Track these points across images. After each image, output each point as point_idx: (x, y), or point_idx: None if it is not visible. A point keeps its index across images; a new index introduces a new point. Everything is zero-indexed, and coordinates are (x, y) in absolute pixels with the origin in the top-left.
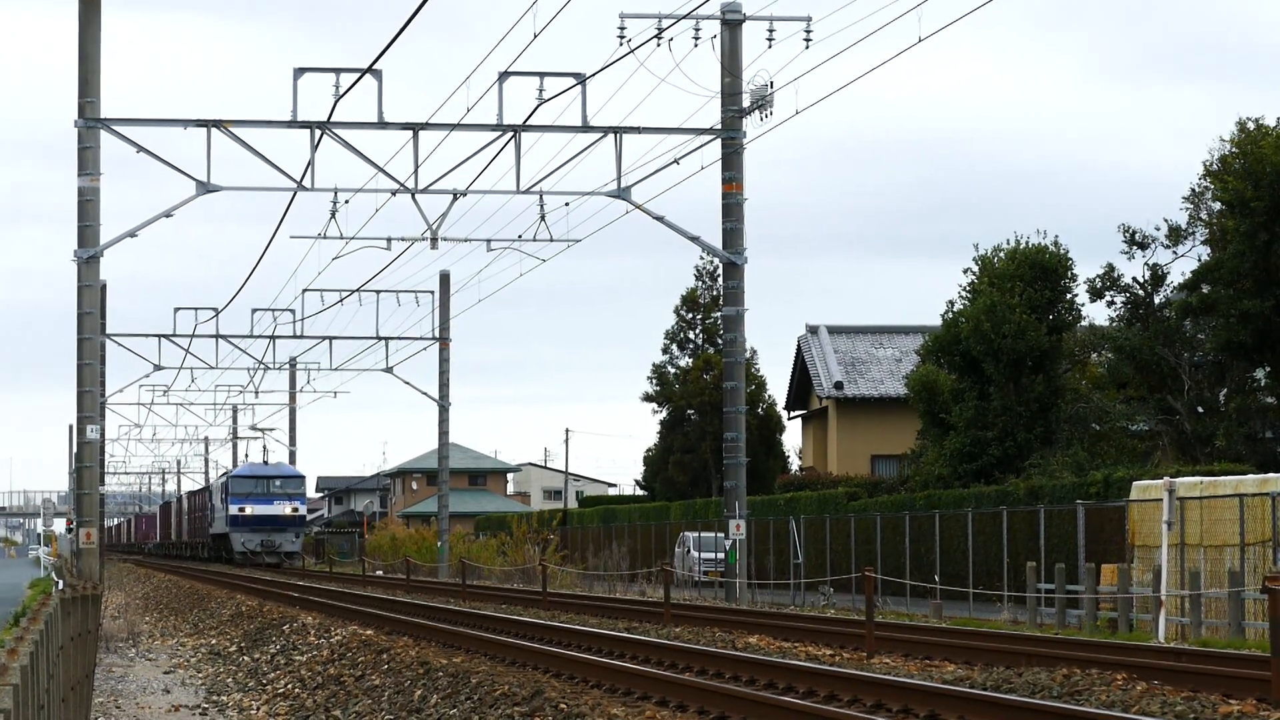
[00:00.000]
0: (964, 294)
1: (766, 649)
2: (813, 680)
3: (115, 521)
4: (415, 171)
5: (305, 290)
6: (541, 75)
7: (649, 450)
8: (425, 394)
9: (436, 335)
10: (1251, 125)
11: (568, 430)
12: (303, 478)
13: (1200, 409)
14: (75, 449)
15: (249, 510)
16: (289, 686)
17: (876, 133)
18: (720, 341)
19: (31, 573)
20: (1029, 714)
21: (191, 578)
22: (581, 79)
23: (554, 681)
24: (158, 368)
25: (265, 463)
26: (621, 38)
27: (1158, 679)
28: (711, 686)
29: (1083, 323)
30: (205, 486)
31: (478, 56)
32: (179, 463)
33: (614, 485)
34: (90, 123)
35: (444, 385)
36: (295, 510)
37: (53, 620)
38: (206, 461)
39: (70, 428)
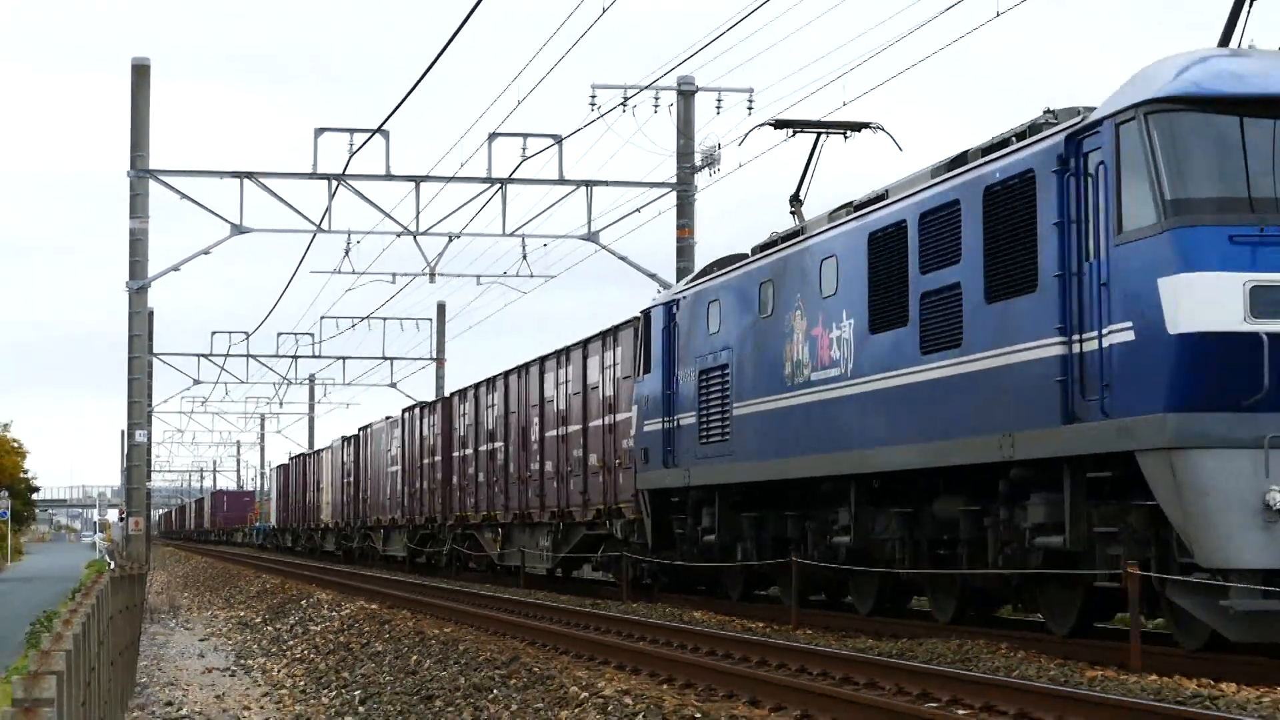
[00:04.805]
0: None
1: (708, 621)
2: (746, 648)
3: (160, 512)
4: (417, 216)
5: (323, 317)
6: (525, 136)
7: None
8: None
9: (434, 356)
10: None
11: None
12: None
13: None
14: (126, 450)
15: None
16: (305, 652)
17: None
18: None
19: (88, 555)
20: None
21: (224, 559)
22: (559, 139)
23: (529, 648)
24: (197, 382)
25: None
26: (593, 105)
27: None
28: (661, 653)
29: None
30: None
31: (470, 119)
32: (215, 462)
33: None
34: (140, 173)
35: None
36: None
37: (104, 595)
38: (239, 463)
39: (122, 432)
